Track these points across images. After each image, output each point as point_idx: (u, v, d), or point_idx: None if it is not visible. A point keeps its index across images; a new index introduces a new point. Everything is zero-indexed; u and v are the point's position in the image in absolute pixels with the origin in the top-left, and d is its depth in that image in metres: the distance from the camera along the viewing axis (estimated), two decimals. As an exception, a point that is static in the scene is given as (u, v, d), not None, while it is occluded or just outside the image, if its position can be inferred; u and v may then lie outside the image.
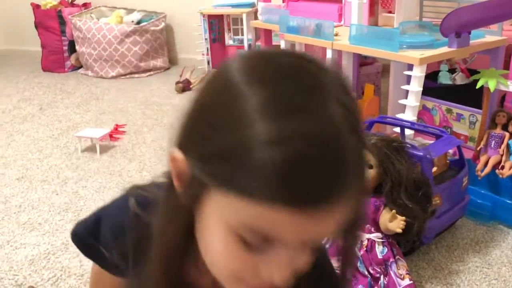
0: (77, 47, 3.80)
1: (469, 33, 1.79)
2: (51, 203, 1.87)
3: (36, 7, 3.83)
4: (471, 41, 1.83)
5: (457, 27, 1.75)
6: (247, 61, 0.46)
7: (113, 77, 3.66)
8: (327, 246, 0.59)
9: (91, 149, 2.34)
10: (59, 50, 3.85)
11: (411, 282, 1.25)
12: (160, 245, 0.52)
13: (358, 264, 1.29)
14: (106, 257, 0.61)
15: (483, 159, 1.79)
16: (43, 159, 2.28)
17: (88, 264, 1.48)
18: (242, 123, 0.41)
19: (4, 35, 4.63)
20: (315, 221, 0.42)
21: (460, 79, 2.34)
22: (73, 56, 3.89)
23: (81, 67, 3.89)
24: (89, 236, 0.64)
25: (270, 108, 0.41)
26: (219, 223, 0.45)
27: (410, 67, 1.79)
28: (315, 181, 0.40)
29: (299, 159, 0.40)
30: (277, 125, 0.40)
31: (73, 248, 1.56)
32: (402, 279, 1.26)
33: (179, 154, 0.47)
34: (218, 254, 0.47)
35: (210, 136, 0.43)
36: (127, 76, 3.66)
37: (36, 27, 3.86)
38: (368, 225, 1.33)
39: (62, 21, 3.79)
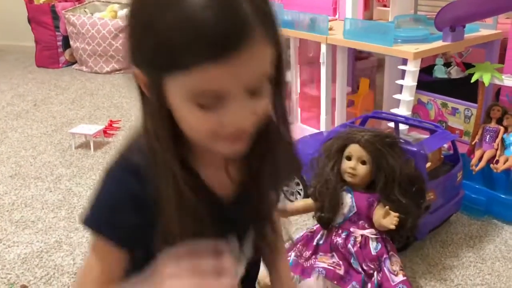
0: (71, 42, 3.77)
1: (464, 27, 1.78)
2: (45, 201, 1.86)
3: (29, 2, 3.80)
4: (465, 35, 1.82)
5: (451, 21, 1.74)
6: None
7: (107, 72, 3.64)
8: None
9: (85, 145, 2.32)
10: (53, 46, 3.83)
11: (405, 278, 1.24)
12: (160, 150, 0.61)
13: (352, 260, 1.28)
14: (121, 228, 0.65)
15: (477, 153, 1.79)
16: (36, 156, 2.26)
17: (81, 262, 1.48)
18: (157, 18, 0.53)
19: (-3, 31, 4.60)
20: (238, 66, 0.53)
21: (455, 73, 2.33)
22: (67, 52, 3.86)
23: (75, 62, 3.87)
24: (111, 219, 0.66)
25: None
26: (180, 101, 0.57)
27: (405, 61, 1.78)
28: (221, 33, 0.52)
29: (202, 20, 0.51)
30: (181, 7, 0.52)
31: (67, 246, 1.56)
32: (396, 275, 1.25)
33: (136, 70, 0.59)
34: (191, 123, 0.59)
35: (141, 42, 0.56)
36: (122, 72, 3.63)
37: (29, 22, 3.82)
38: (361, 221, 1.32)
39: (55, 16, 3.75)
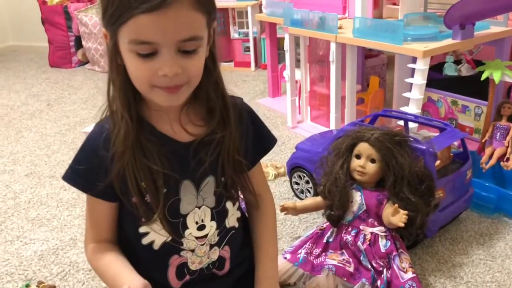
0: (83, 42, 3.82)
1: (474, 24, 1.78)
2: (59, 199, 1.90)
3: (42, 3, 3.86)
4: (475, 33, 1.82)
5: (461, 19, 1.73)
6: None
7: (119, 72, 3.67)
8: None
9: (98, 144, 2.36)
10: (65, 46, 3.88)
11: (414, 275, 1.25)
12: (117, 92, 0.78)
13: (362, 257, 1.30)
14: (94, 183, 0.81)
15: (488, 151, 1.79)
16: (51, 155, 2.31)
17: (95, 259, 1.51)
18: None
19: (11, 31, 4.67)
20: (166, 21, 0.68)
21: (466, 70, 2.32)
22: (79, 52, 3.91)
23: (87, 62, 3.92)
24: (74, 167, 0.83)
25: None
26: (124, 51, 0.73)
27: (414, 59, 1.78)
28: None
29: None
30: None
31: (81, 244, 1.59)
32: (405, 272, 1.26)
33: (104, 30, 0.74)
34: (132, 71, 0.74)
35: (102, 4, 0.72)
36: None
37: (42, 23, 3.88)
38: (371, 219, 1.33)
39: (68, 17, 3.80)
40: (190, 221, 0.85)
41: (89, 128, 2.50)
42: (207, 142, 0.83)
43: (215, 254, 0.90)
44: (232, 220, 0.92)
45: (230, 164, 0.85)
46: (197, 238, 0.86)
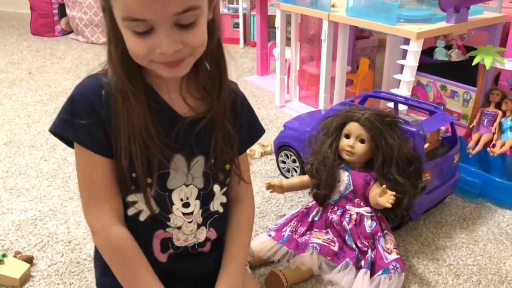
0: (67, 11, 3.70)
1: (468, 8, 1.76)
2: (39, 169, 1.85)
3: (25, -33, 3.71)
4: (469, 17, 1.80)
5: (456, 2, 1.72)
6: None
7: (104, 43, 3.57)
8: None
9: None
10: (48, 14, 3.75)
11: (398, 256, 1.26)
12: (115, 58, 0.74)
13: (346, 237, 1.29)
14: (88, 134, 0.75)
15: (475, 137, 1.80)
16: (31, 124, 2.24)
17: (75, 230, 1.48)
18: None
19: (-8, -4, 4.50)
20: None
21: (456, 55, 2.32)
22: (63, 20, 3.79)
23: (71, 32, 3.80)
24: (68, 119, 0.76)
25: None
26: (121, 26, 0.70)
27: (406, 41, 1.76)
28: None
29: None
30: None
31: (61, 215, 1.56)
32: (390, 253, 1.26)
33: (101, 2, 0.71)
34: (130, 47, 0.71)
35: None
36: (119, 43, 3.58)
37: (25, -12, 3.75)
38: (357, 199, 1.33)
39: (52, -17, 3.68)
40: (176, 197, 0.82)
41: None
42: (202, 119, 0.80)
43: (202, 234, 0.87)
44: (216, 204, 0.89)
45: (220, 146, 0.83)
46: (184, 214, 0.84)
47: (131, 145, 0.75)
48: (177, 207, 0.83)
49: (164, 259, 0.86)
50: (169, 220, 0.83)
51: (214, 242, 0.90)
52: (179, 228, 0.84)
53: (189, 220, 0.84)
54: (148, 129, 0.75)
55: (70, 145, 0.80)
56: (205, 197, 0.86)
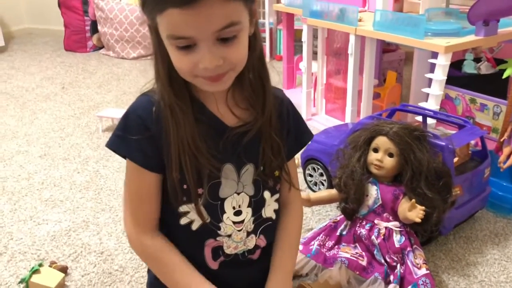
0: (99, 27, 3.82)
1: (498, 21, 1.75)
2: (73, 181, 1.90)
3: (59, -14, 3.86)
4: (499, 30, 1.78)
5: (485, 15, 1.70)
6: None
7: (134, 58, 3.68)
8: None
9: (112, 129, 2.36)
10: (81, 30, 3.88)
11: (428, 271, 1.24)
12: (162, 74, 0.77)
13: (375, 252, 1.29)
14: (139, 151, 0.79)
15: (506, 150, 1.76)
16: (65, 138, 2.32)
17: (107, 241, 1.52)
18: None
19: (28, 14, 4.68)
20: (200, 16, 0.66)
21: (485, 68, 2.29)
22: (95, 36, 3.91)
23: (102, 47, 3.92)
24: (121, 135, 0.80)
25: None
26: (166, 42, 0.72)
27: (434, 55, 1.76)
28: None
29: None
30: None
31: (94, 226, 1.60)
32: (419, 268, 1.25)
33: (145, 18, 0.73)
34: (174, 62, 0.73)
35: None
36: (149, 58, 3.66)
37: (59, 6, 3.88)
38: (386, 214, 1.32)
39: (85, 1, 3.80)
40: (228, 206, 0.85)
41: (104, 112, 2.51)
42: (250, 129, 0.82)
43: (251, 242, 0.89)
44: (269, 211, 0.90)
45: (269, 149, 0.84)
46: (234, 223, 0.86)
47: (181, 158, 0.77)
48: (228, 215, 0.85)
49: (215, 267, 0.88)
50: (219, 229, 0.86)
51: (264, 250, 0.92)
52: (229, 236, 0.87)
53: (239, 229, 0.87)
54: (196, 142, 0.78)
55: (125, 158, 0.84)
56: (256, 204, 0.88)
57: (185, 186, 0.81)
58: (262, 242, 0.91)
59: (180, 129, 0.77)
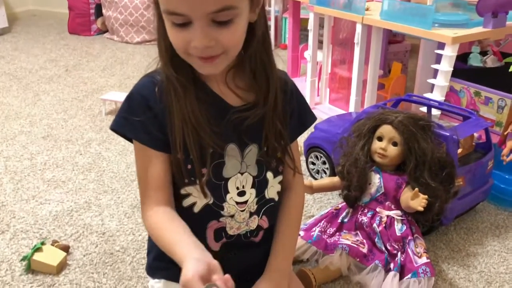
0: (103, 11, 3.80)
1: (507, 13, 1.74)
2: (75, 163, 1.91)
3: (64, -32, 3.83)
4: (507, 22, 1.77)
5: (494, 6, 1.69)
6: None
7: (138, 43, 3.66)
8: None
9: (115, 112, 2.36)
10: (85, 13, 3.86)
11: (428, 260, 1.25)
12: (164, 50, 0.78)
13: (376, 239, 1.29)
14: (144, 131, 0.79)
15: (509, 144, 1.76)
16: (67, 120, 2.31)
17: (109, 223, 1.52)
18: None
19: (32, -4, 4.66)
20: None
21: (491, 61, 2.29)
22: (99, 20, 3.89)
23: (106, 31, 3.90)
24: (125, 116, 0.80)
25: None
26: (164, 17, 0.73)
27: (441, 46, 1.75)
28: None
29: None
30: None
31: (95, 207, 1.61)
32: (419, 257, 1.26)
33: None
34: (170, 38, 0.74)
35: None
36: (152, 43, 3.65)
37: (64, -12, 3.86)
38: (388, 202, 1.33)
39: (90, -16, 3.78)
40: (232, 186, 0.85)
41: (107, 95, 2.50)
42: (252, 109, 0.82)
43: (254, 222, 0.90)
44: (272, 192, 0.91)
45: (272, 134, 0.84)
46: (237, 203, 0.86)
47: (185, 136, 0.78)
48: (231, 196, 0.85)
49: (217, 248, 0.89)
50: (222, 209, 0.86)
51: (266, 232, 0.93)
52: (232, 216, 0.87)
53: (242, 209, 0.87)
54: (198, 118, 0.78)
55: (130, 140, 0.84)
56: (260, 184, 0.88)
57: (189, 166, 0.81)
58: (265, 223, 0.92)
59: (182, 105, 0.77)
